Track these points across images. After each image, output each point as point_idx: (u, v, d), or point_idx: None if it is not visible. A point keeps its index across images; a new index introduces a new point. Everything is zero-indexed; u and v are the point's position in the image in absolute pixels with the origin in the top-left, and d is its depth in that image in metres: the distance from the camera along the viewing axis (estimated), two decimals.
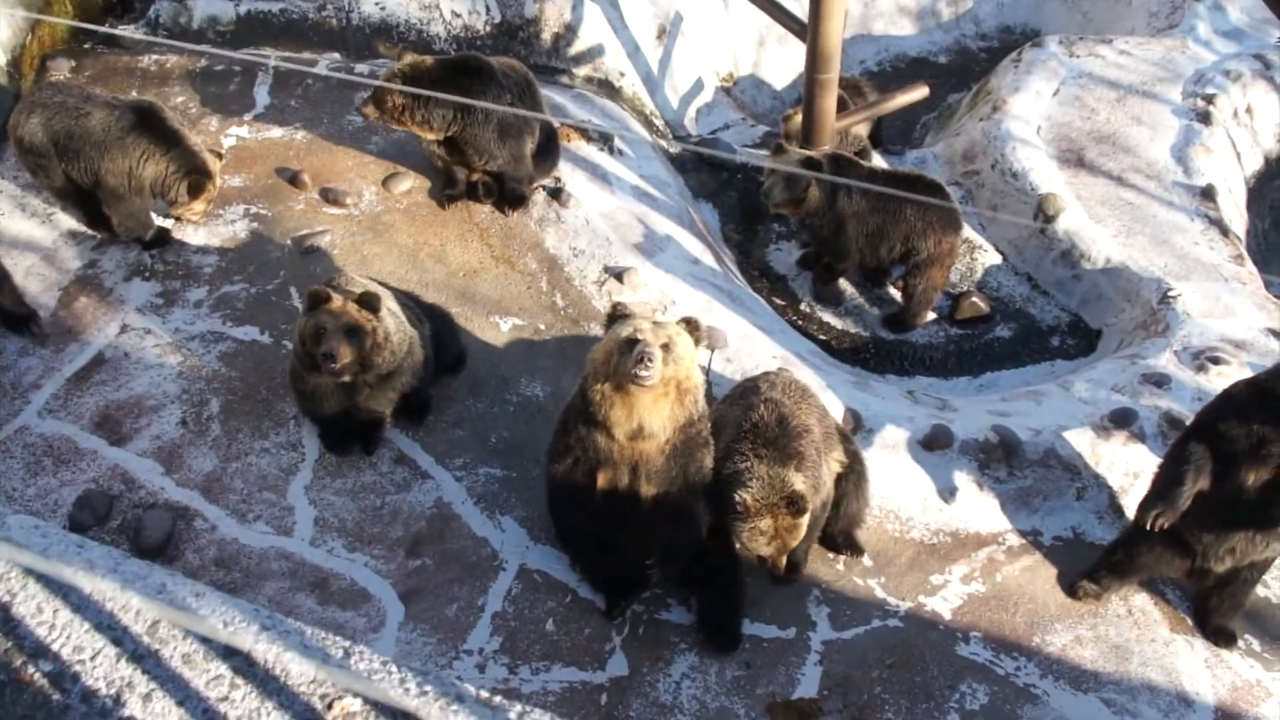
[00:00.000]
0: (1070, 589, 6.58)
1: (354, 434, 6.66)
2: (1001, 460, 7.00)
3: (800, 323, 8.88)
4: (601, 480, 5.76)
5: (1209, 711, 6.12)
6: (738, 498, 5.73)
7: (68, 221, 7.82)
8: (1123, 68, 10.72)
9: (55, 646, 3.56)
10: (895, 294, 9.06)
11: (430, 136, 7.69)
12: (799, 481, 5.72)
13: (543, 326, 7.50)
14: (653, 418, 5.54)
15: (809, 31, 8.60)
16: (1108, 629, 6.44)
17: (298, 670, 3.47)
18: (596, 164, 8.61)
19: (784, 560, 5.91)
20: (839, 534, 6.56)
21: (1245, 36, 11.37)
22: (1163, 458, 6.32)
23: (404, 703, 3.39)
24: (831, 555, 6.62)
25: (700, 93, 10.89)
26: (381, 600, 6.07)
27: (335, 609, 5.99)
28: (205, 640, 3.53)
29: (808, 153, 8.41)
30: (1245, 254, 9.04)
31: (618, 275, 7.69)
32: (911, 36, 12.75)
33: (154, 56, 9.28)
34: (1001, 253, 9.49)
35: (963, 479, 6.95)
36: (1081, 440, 7.12)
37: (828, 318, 8.97)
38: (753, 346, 7.54)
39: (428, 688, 3.45)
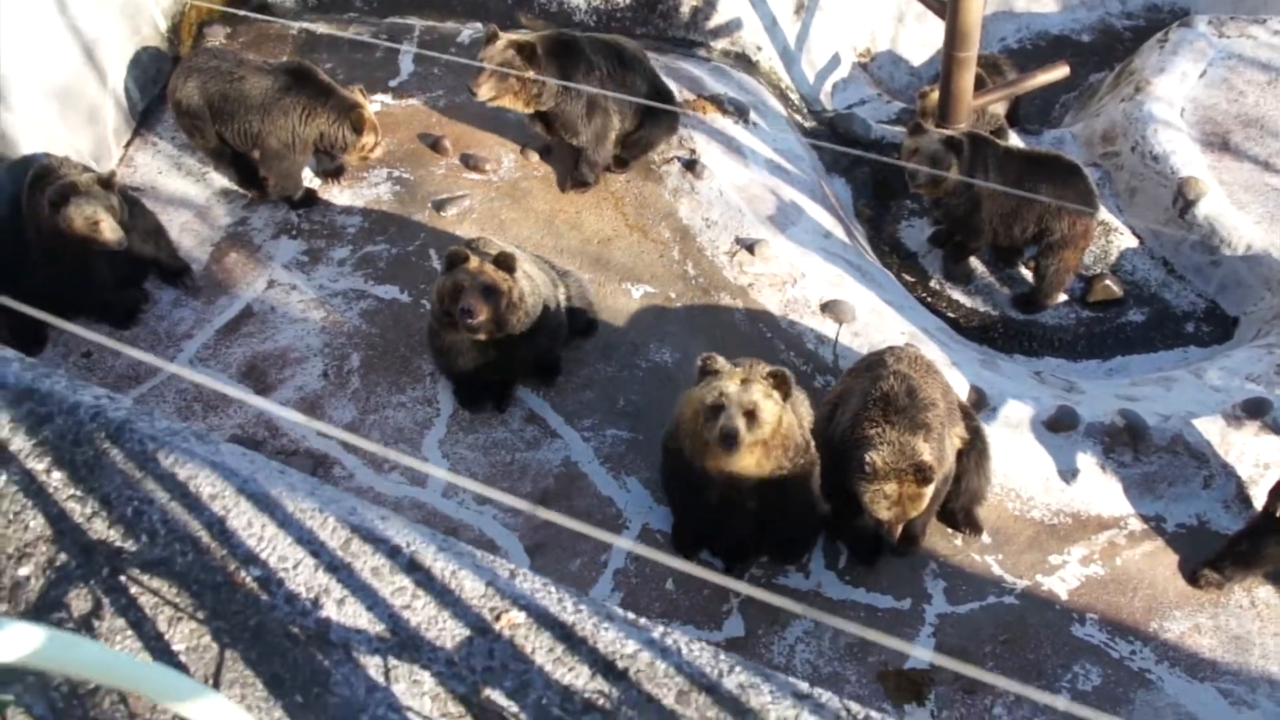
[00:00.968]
0: (1192, 577, 6.52)
1: (487, 391, 6.89)
2: (1127, 444, 6.95)
3: (929, 299, 8.88)
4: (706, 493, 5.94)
5: None
6: (867, 458, 5.79)
7: (220, 180, 8.19)
8: (1275, 49, 10.41)
9: (263, 555, 3.96)
10: (1027, 274, 8.99)
11: (526, 110, 7.85)
12: (927, 451, 5.77)
13: (673, 295, 7.63)
14: (744, 467, 5.64)
15: (948, 8, 8.54)
16: (1229, 619, 6.38)
17: (470, 586, 3.83)
18: (731, 136, 8.69)
19: (900, 528, 5.97)
20: (959, 510, 6.59)
21: None
22: None
23: (562, 617, 3.72)
24: (950, 531, 6.65)
25: (837, 68, 10.88)
26: (509, 552, 6.29)
27: None
28: (391, 555, 3.90)
29: (947, 132, 8.38)
30: None
31: (749, 247, 7.78)
32: (1054, 14, 12.51)
33: (305, 23, 9.61)
34: (1138, 236, 9.35)
35: (1086, 461, 6.92)
36: (1211, 428, 7.03)
37: (957, 295, 8.94)
38: (881, 321, 7.58)
39: (583, 606, 3.77)
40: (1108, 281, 8.89)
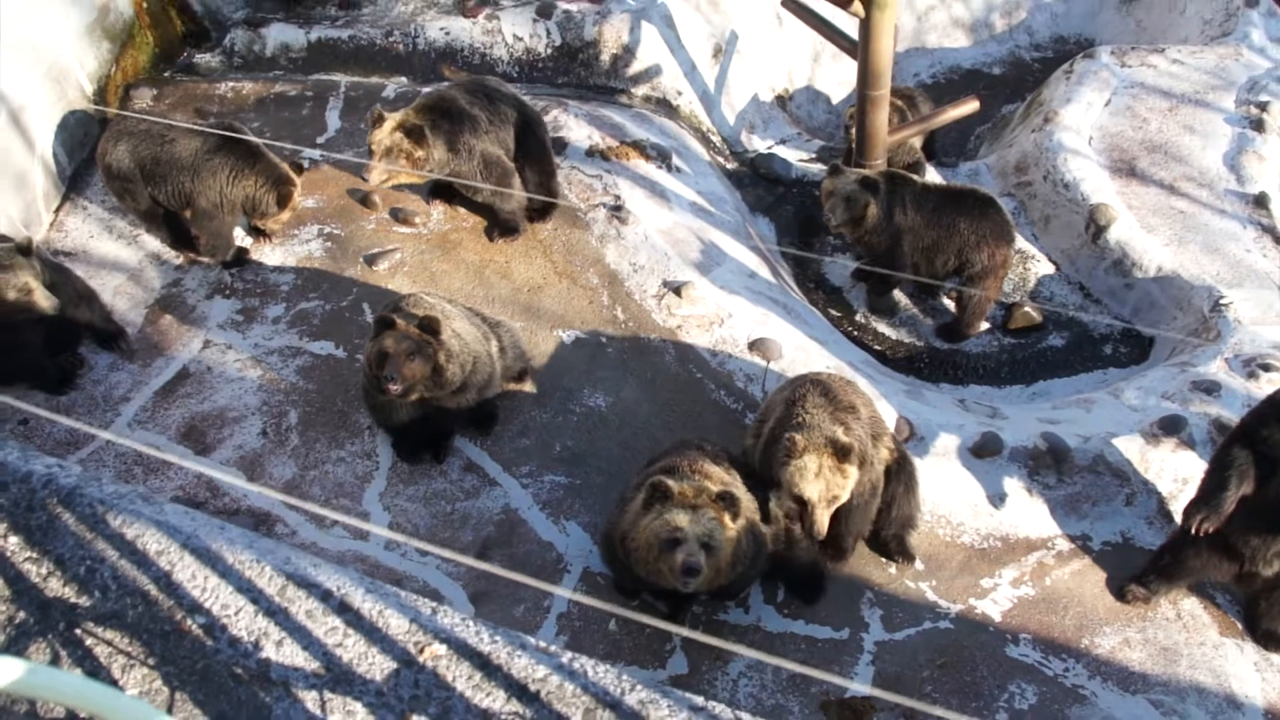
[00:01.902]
0: (1119, 593, 6.73)
1: (425, 443, 6.98)
2: (1051, 466, 7.17)
3: (855, 333, 9.09)
4: None
5: (1258, 714, 6.25)
6: (787, 437, 6.00)
7: (152, 243, 8.24)
8: (1175, 76, 10.83)
9: (207, 604, 4.30)
10: (949, 304, 9.24)
11: (422, 181, 8.07)
12: (844, 434, 6.00)
13: (604, 339, 7.77)
14: (697, 587, 5.77)
15: (860, 50, 8.80)
16: (1157, 632, 6.59)
17: (395, 623, 4.18)
18: (655, 181, 8.88)
19: (825, 517, 6.07)
20: (891, 539, 6.76)
21: None
22: (1209, 462, 6.45)
23: (480, 647, 4.08)
24: (884, 560, 6.81)
25: (756, 109, 11.13)
26: (453, 601, 6.35)
27: None
28: (324, 599, 4.25)
29: (864, 172, 8.64)
30: None
31: (676, 289, 7.95)
32: (965, 48, 12.91)
33: (230, 83, 9.70)
34: (1054, 263, 9.64)
35: (1012, 485, 7.13)
36: (1131, 447, 7.27)
37: (882, 328, 9.17)
38: (808, 357, 7.76)
39: (498, 637, 4.14)
40: (1027, 308, 9.17)
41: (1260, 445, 6.01)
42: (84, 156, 8.73)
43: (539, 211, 8.48)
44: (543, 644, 4.03)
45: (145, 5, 9.74)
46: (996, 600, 6.68)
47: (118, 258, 8.15)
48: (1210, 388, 7.65)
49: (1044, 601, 6.68)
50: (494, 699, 3.90)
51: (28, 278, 6.67)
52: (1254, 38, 11.39)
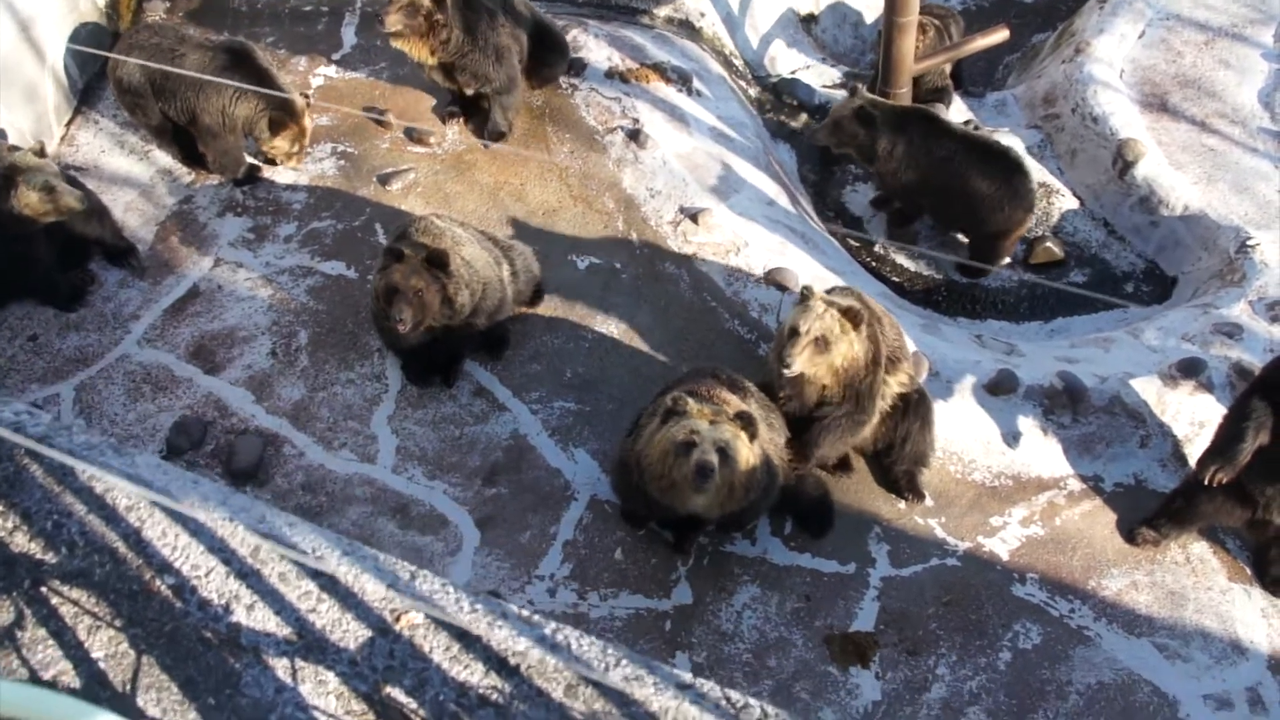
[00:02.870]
0: (1129, 535, 6.68)
1: (435, 367, 6.93)
2: (1066, 406, 7.09)
3: (874, 265, 8.98)
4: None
5: (1262, 660, 6.23)
6: (804, 287, 6.30)
7: (164, 159, 8.16)
8: (1212, 8, 10.54)
9: (177, 564, 4.11)
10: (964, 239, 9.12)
11: (430, 60, 7.91)
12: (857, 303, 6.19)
13: (619, 265, 7.68)
14: (707, 508, 5.76)
15: None
16: (1165, 575, 6.55)
17: (372, 589, 3.97)
18: (675, 105, 8.72)
19: (803, 355, 6.06)
20: (902, 475, 6.72)
21: None
22: (1226, 411, 6.37)
23: (458, 618, 3.87)
24: (893, 496, 6.78)
25: (781, 32, 10.90)
26: (459, 526, 6.37)
27: (415, 533, 6.29)
28: (298, 562, 4.04)
29: (871, 99, 8.55)
30: None
31: (693, 216, 7.84)
32: None
33: None
34: (1079, 198, 9.48)
35: (1026, 424, 7.06)
36: (1148, 388, 7.18)
37: (901, 260, 9.05)
38: (824, 288, 7.65)
39: (478, 606, 3.92)
40: (1049, 244, 9.02)
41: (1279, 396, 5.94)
42: (96, 70, 8.61)
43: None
44: (525, 613, 3.86)
45: None
46: (1005, 539, 6.64)
47: (129, 173, 8.08)
48: (1232, 330, 7.53)
49: (1053, 541, 6.64)
50: (472, 672, 3.78)
51: (48, 177, 6.62)
52: None
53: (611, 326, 7.34)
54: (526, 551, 6.30)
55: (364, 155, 8.20)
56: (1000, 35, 9.53)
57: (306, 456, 6.60)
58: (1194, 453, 6.92)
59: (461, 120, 8.45)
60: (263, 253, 7.59)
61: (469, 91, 8.24)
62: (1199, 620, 6.36)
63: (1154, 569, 6.57)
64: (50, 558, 4.12)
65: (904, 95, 9.30)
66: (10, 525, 4.21)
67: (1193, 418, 7.13)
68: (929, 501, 6.76)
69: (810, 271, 7.71)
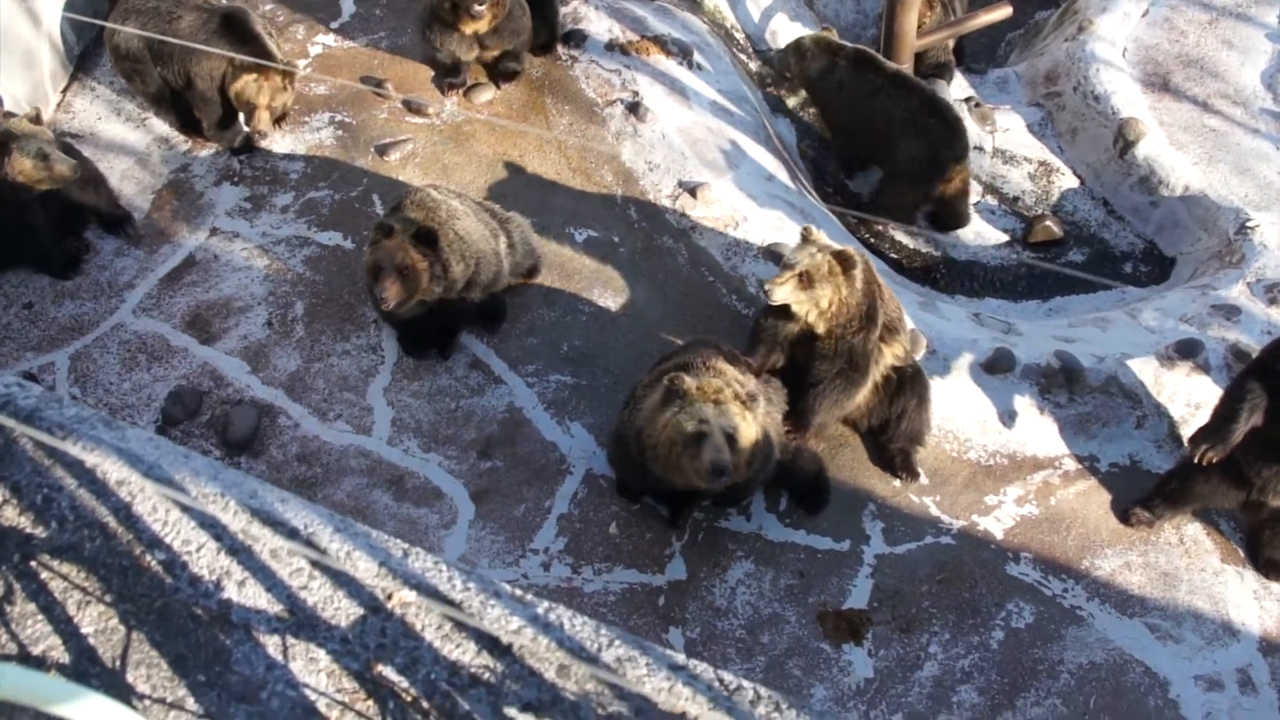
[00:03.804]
0: (1123, 515, 6.70)
1: (431, 339, 6.92)
2: (1062, 386, 7.09)
3: (873, 241, 8.95)
4: None
5: (1253, 641, 6.26)
6: (804, 228, 6.36)
7: (161, 126, 8.10)
8: None
9: (168, 539, 4.06)
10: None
11: (485, 29, 8.04)
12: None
13: (616, 238, 7.65)
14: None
15: None
16: (1158, 556, 6.56)
17: (364, 566, 3.92)
18: (675, 78, 8.68)
19: (791, 288, 6.13)
20: (897, 453, 6.72)
21: None
22: (1222, 393, 6.37)
23: (450, 595, 3.84)
24: (889, 474, 6.79)
25: (783, 6, 10.83)
26: (454, 499, 6.37)
27: (409, 505, 6.29)
28: (290, 537, 3.99)
29: (833, 39, 8.95)
30: None
31: (691, 190, 7.81)
32: None
33: None
34: (1079, 177, 9.45)
35: (1023, 403, 7.05)
36: (1145, 369, 7.17)
37: (899, 237, 9.03)
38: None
39: (470, 584, 3.88)
40: (1048, 222, 9.00)
41: (1275, 379, 5.93)
42: (93, 36, 8.54)
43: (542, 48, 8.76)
44: (518, 592, 3.82)
45: None
46: (999, 518, 6.65)
47: (125, 141, 8.03)
48: (1230, 312, 7.53)
49: (1047, 521, 6.65)
50: (464, 651, 3.77)
51: (42, 144, 6.58)
52: None
53: (609, 300, 7.33)
54: (521, 525, 6.30)
55: (362, 125, 8.16)
56: (1003, 11, 9.49)
57: (302, 427, 6.59)
58: (1190, 434, 6.90)
59: (460, 92, 8.40)
60: (259, 222, 7.56)
61: (497, 53, 8.32)
62: (1191, 601, 6.38)
63: (1147, 550, 6.59)
64: (40, 532, 4.09)
65: (906, 70, 9.24)
66: (0, 499, 4.19)
67: (1189, 399, 7.13)
68: (924, 480, 6.77)
69: None
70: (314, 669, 3.76)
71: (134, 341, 6.90)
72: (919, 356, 7.01)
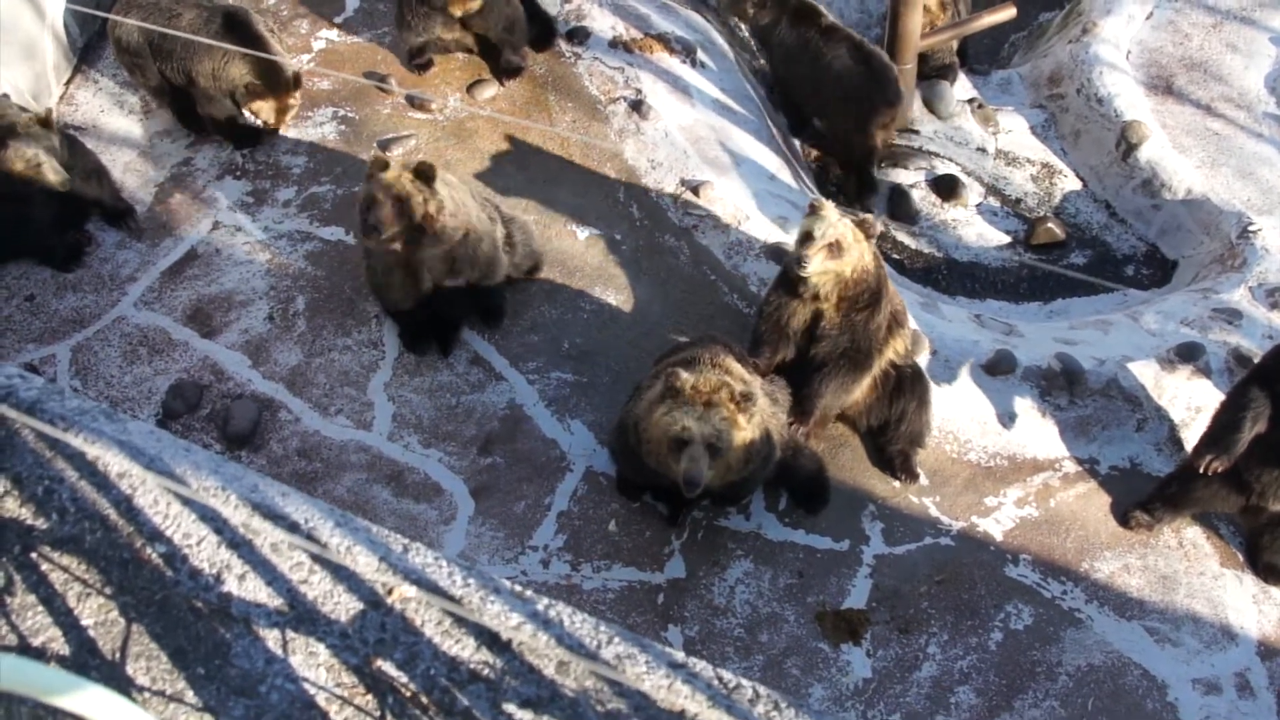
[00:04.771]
0: (1123, 518, 6.69)
1: (433, 333, 6.92)
2: (1063, 388, 7.08)
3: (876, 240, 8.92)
4: None
5: (1251, 645, 6.26)
6: (813, 198, 6.32)
7: (163, 120, 8.10)
8: None
9: (168, 532, 4.07)
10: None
11: (474, 7, 8.03)
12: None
13: (618, 236, 7.65)
14: (705, 482, 5.66)
15: None
16: (1157, 559, 6.56)
17: (364, 561, 3.93)
18: (678, 76, 8.67)
19: (818, 257, 6.07)
20: (897, 454, 6.71)
21: None
22: (1223, 399, 6.36)
23: (450, 591, 3.84)
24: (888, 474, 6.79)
25: None
26: (453, 494, 6.37)
27: (409, 501, 6.29)
28: (290, 531, 4.00)
29: None
30: None
31: (694, 189, 7.80)
32: None
33: None
34: (1081, 179, 9.45)
35: (1023, 404, 7.05)
36: (1146, 372, 7.17)
37: (902, 237, 9.02)
38: None
39: (470, 580, 3.88)
40: (1050, 224, 8.99)
41: (1278, 386, 5.93)
42: (96, 28, 8.54)
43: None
44: (518, 588, 3.83)
45: None
46: (999, 520, 6.65)
47: (128, 134, 8.03)
48: (1231, 316, 7.53)
49: (1046, 523, 6.65)
50: (463, 647, 3.77)
51: (38, 149, 6.58)
52: None
53: (611, 298, 7.32)
54: (521, 521, 6.30)
55: (365, 120, 8.15)
56: (1008, 13, 9.46)
57: (302, 422, 6.59)
58: (1190, 437, 6.93)
59: (465, 90, 8.39)
60: (261, 216, 7.56)
61: (482, 33, 8.33)
62: (1190, 605, 6.38)
63: (1146, 553, 6.58)
64: (41, 523, 4.10)
65: (909, 71, 9.25)
66: (1, 489, 4.19)
67: (1190, 402, 7.13)
68: (924, 480, 6.76)
69: None
70: (313, 663, 3.77)
71: (135, 334, 6.90)
72: (921, 357, 7.01)
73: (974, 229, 9.03)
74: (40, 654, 3.80)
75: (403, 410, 6.69)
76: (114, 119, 8.10)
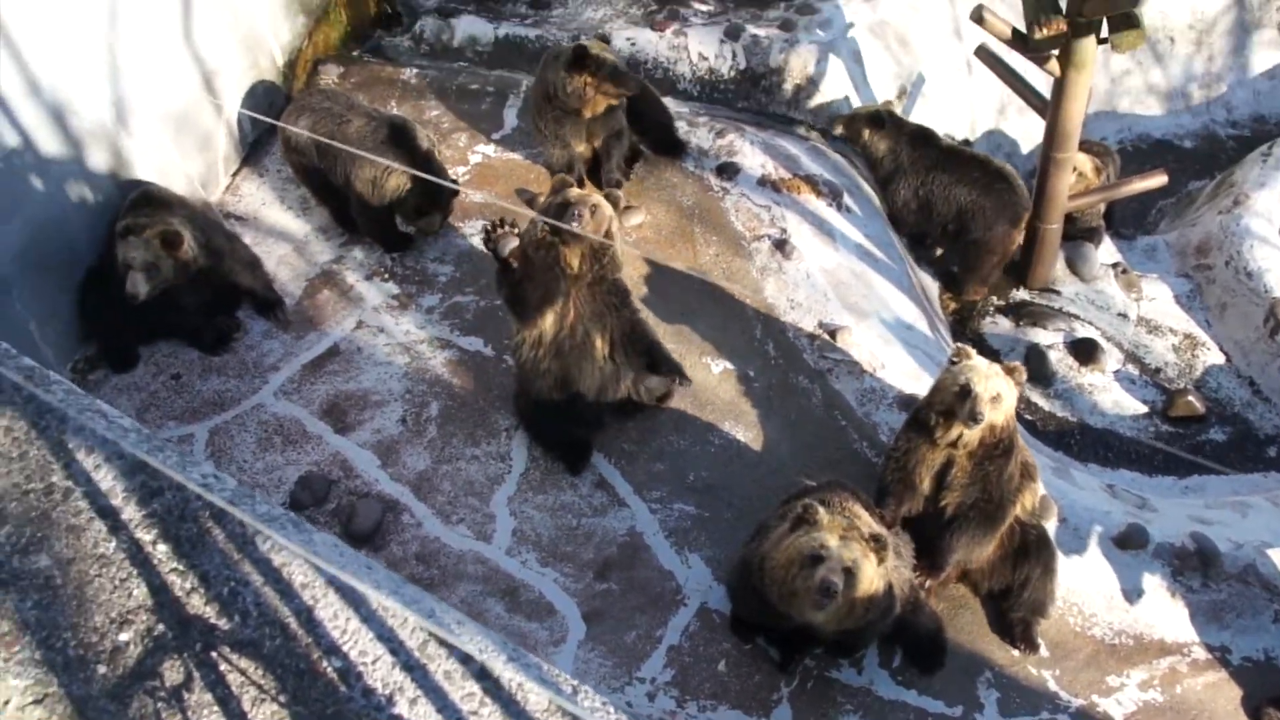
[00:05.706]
0: (1254, 713, 6.40)
1: (569, 450, 7.01)
2: (1197, 569, 6.86)
3: None
4: None
5: None
6: (957, 347, 6.28)
7: (320, 217, 8.38)
8: None
9: (345, 647, 4.17)
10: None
11: (599, 112, 8.22)
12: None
13: (752, 373, 7.65)
14: (825, 621, 5.63)
15: (1050, 109, 8.55)
16: None
17: (534, 699, 3.98)
18: (823, 219, 8.73)
19: (987, 408, 5.94)
20: (1018, 622, 6.54)
21: None
22: None
23: None
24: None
25: None
26: (566, 616, 6.34)
27: (521, 618, 6.28)
28: (464, 661, 4.08)
29: (883, 110, 9.54)
30: None
31: (831, 333, 7.80)
32: (1158, 117, 12.42)
33: (415, 69, 9.82)
34: (1225, 353, 9.25)
35: (1153, 582, 6.83)
36: None
37: (1036, 398, 8.88)
38: None
39: None
40: (1190, 397, 8.79)
41: None
42: (266, 125, 8.91)
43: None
44: None
45: None
46: (1121, 701, 6.41)
47: (286, 228, 8.32)
48: None
49: (1171, 710, 6.39)
50: None
51: (133, 257, 6.89)
52: None
53: (739, 434, 7.30)
54: (630, 651, 6.25)
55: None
56: (1159, 180, 9.38)
57: (424, 527, 6.65)
58: None
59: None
60: (404, 320, 7.73)
61: (596, 144, 8.49)
62: None
63: None
64: (223, 623, 4.21)
65: (1055, 231, 9.20)
66: (189, 586, 4.32)
67: None
68: (1044, 652, 6.56)
69: None
70: None
71: (271, 423, 7.07)
72: (1049, 524, 6.85)
73: (1110, 395, 8.85)
74: None
75: (523, 526, 6.72)
76: (274, 212, 8.40)
